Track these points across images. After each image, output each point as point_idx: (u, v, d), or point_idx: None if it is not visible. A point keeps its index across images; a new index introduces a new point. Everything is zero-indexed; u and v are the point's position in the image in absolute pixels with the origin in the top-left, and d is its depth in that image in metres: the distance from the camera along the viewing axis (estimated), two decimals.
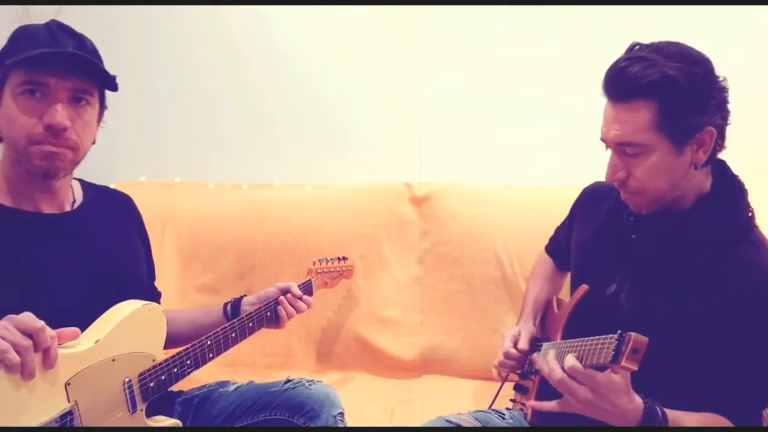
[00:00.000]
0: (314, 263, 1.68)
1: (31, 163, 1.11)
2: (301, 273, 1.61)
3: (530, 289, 1.55)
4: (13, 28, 2.06)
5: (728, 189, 1.15)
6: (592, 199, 1.39)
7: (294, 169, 2.17)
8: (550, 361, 1.08)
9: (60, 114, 1.09)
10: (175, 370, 1.17)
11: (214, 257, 1.93)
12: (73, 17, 2.10)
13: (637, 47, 1.10)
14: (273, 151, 2.19)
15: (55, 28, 1.14)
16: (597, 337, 1.02)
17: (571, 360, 1.04)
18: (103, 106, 1.21)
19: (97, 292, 1.15)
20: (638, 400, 1.03)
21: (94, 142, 1.21)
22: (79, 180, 1.31)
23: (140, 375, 1.12)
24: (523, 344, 1.36)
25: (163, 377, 1.15)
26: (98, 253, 1.21)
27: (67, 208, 1.22)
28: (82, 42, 1.16)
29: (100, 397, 1.06)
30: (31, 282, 1.11)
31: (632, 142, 1.08)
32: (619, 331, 0.97)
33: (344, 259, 1.77)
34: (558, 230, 1.56)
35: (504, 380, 1.43)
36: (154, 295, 1.41)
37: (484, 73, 2.10)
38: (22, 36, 1.14)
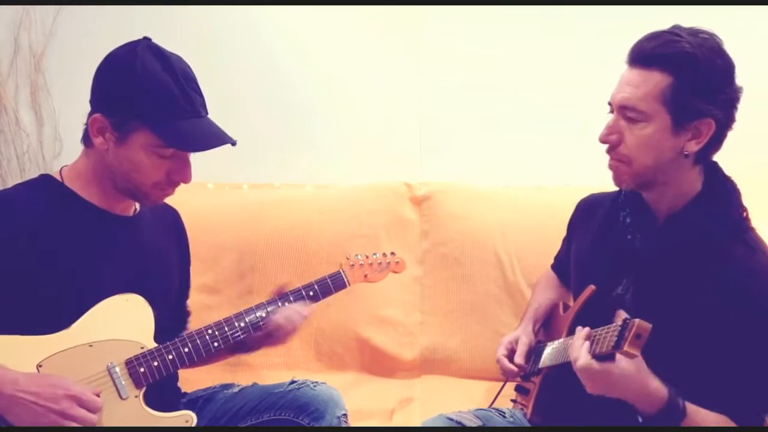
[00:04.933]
0: (347, 258, 1.51)
1: (147, 198, 1.19)
2: (301, 273, 1.60)
3: (533, 297, 1.54)
4: (13, 27, 2.09)
5: (720, 190, 1.16)
6: (587, 211, 1.40)
7: (294, 169, 2.17)
8: (580, 348, 1.07)
9: (190, 174, 1.18)
10: (170, 356, 1.18)
11: (214, 257, 1.92)
12: (73, 17, 2.12)
13: (677, 27, 1.13)
14: (273, 151, 2.19)
15: (181, 75, 1.14)
16: (601, 327, 1.05)
17: (584, 358, 1.05)
18: None
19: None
20: (656, 386, 1.04)
21: None
22: None
23: (127, 361, 1.15)
24: (519, 359, 1.35)
25: (155, 363, 1.16)
26: (138, 262, 1.25)
27: (130, 213, 1.27)
28: (198, 87, 1.19)
29: (79, 381, 1.09)
30: (80, 274, 1.15)
31: (635, 108, 1.10)
32: (624, 317, 1.00)
33: (392, 254, 1.61)
34: (560, 248, 1.56)
35: (506, 381, 1.43)
36: (180, 313, 1.43)
37: (484, 73, 2.10)
38: (150, 84, 1.11)
